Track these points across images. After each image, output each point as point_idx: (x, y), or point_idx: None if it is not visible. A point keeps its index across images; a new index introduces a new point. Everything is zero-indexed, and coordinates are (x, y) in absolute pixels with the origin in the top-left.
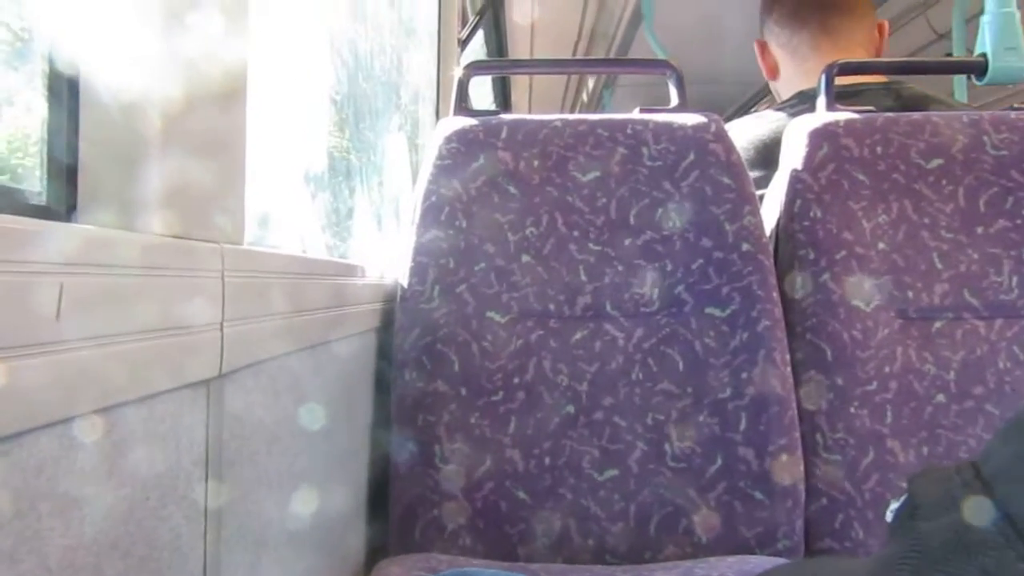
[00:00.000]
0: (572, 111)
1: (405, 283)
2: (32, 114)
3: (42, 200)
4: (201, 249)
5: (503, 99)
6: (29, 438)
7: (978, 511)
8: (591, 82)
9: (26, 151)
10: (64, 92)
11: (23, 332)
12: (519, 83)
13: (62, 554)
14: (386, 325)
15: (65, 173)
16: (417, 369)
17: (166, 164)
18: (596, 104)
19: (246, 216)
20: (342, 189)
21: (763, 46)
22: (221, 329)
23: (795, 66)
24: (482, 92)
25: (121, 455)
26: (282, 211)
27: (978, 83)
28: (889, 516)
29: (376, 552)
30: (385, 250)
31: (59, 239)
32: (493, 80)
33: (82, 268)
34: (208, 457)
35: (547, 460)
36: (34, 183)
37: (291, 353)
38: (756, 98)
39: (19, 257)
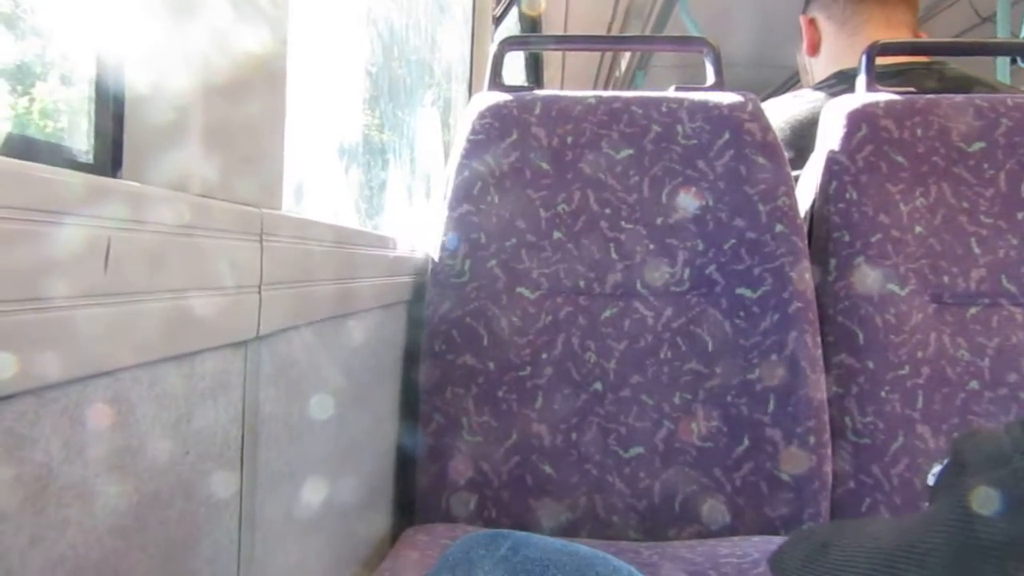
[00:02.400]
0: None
1: (436, 257)
2: (81, 75)
3: (89, 158)
4: (241, 212)
5: (535, 78)
6: (77, 387)
7: None
8: (623, 63)
9: (74, 111)
10: (112, 55)
11: (75, 283)
12: (551, 63)
13: (106, 500)
14: (416, 298)
15: (111, 133)
16: (446, 342)
17: (208, 129)
18: (629, 85)
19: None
20: (375, 163)
21: (810, 22)
22: (259, 292)
23: (841, 41)
24: (512, 73)
25: (163, 410)
26: (316, 183)
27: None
28: (931, 479)
29: (402, 521)
30: (416, 224)
31: (109, 194)
32: (526, 60)
33: (129, 224)
34: (245, 416)
35: (573, 436)
36: (81, 142)
37: (325, 320)
38: (791, 82)
39: (73, 209)
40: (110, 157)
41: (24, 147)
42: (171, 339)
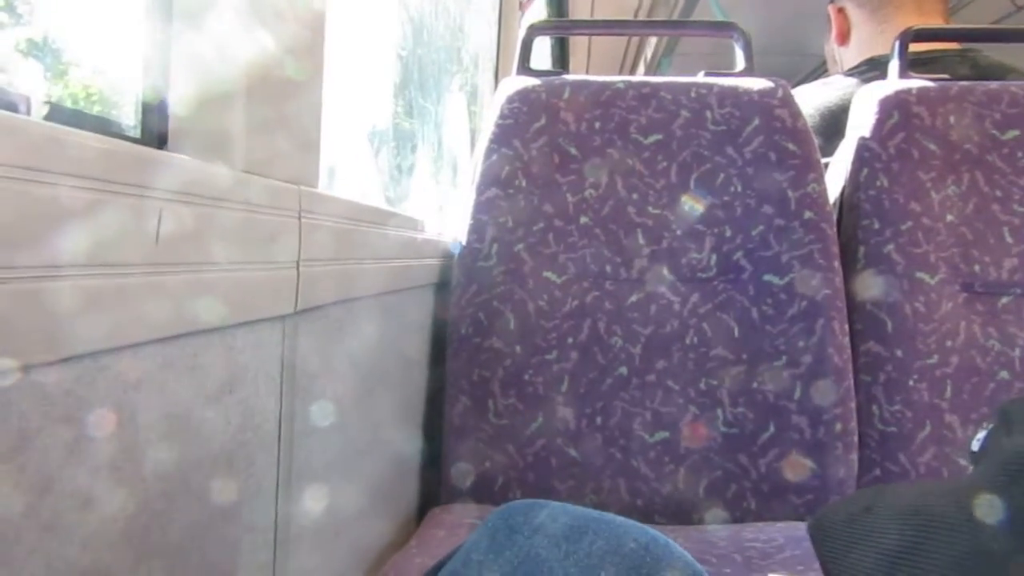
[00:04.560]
0: None
1: (464, 240)
2: (129, 53)
3: (136, 133)
4: (281, 189)
5: (561, 64)
6: (126, 355)
7: None
8: (649, 50)
9: (122, 88)
10: (158, 35)
11: (130, 252)
12: (577, 51)
13: (155, 466)
14: (444, 281)
15: (157, 109)
16: (473, 325)
17: (249, 107)
18: (654, 72)
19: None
20: (404, 147)
21: (839, 11)
22: (297, 268)
23: (872, 28)
24: (538, 59)
25: (207, 379)
26: (346, 165)
27: None
28: (975, 445)
29: (429, 500)
30: (443, 207)
31: (162, 167)
32: (552, 45)
33: (179, 196)
34: (283, 389)
35: (598, 420)
36: (130, 117)
37: (359, 299)
38: (818, 71)
39: (130, 180)
40: (156, 132)
41: (72, 120)
42: (214, 311)
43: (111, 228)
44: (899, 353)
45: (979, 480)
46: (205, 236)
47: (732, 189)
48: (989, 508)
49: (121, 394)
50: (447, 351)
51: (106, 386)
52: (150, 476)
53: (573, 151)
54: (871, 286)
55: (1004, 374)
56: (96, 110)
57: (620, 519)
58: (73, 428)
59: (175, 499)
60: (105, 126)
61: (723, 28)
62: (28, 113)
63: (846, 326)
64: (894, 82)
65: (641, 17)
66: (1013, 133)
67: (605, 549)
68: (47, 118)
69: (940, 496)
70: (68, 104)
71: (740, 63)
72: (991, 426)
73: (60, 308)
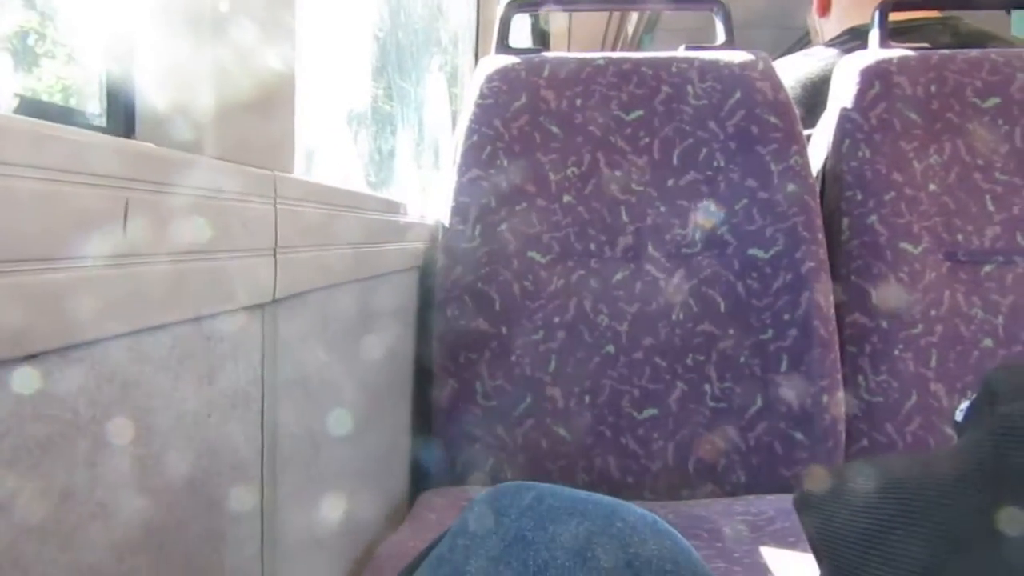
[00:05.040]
0: None
1: (447, 222)
2: (93, 40)
3: (102, 122)
4: (255, 175)
5: (541, 42)
6: (101, 347)
7: None
8: (630, 27)
9: (87, 76)
10: (123, 19)
11: (95, 243)
12: (557, 29)
13: (133, 460)
14: (428, 264)
15: (123, 97)
16: (459, 307)
17: (219, 92)
18: (635, 49)
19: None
20: (383, 129)
21: None
22: (274, 255)
23: None
24: (517, 38)
25: (185, 371)
26: (324, 149)
27: None
28: (959, 415)
29: (419, 484)
30: (425, 190)
31: (128, 156)
32: (531, 24)
33: (146, 185)
34: (264, 378)
35: (587, 398)
36: (95, 106)
37: (339, 285)
38: (800, 44)
39: (90, 169)
40: (123, 121)
41: (36, 110)
42: (190, 301)
43: (76, 218)
44: (884, 324)
45: (959, 454)
46: (176, 225)
47: (715, 164)
48: (975, 476)
49: (95, 387)
50: (433, 334)
51: (80, 379)
52: (130, 467)
53: (555, 129)
54: (855, 257)
55: (988, 342)
56: (59, 99)
57: (608, 499)
58: (45, 426)
59: (158, 488)
60: (68, 116)
61: (704, 1)
62: None
63: (831, 298)
64: (875, 52)
65: None
66: (994, 101)
67: (592, 530)
68: (16, 110)
69: (926, 467)
70: (29, 94)
71: (721, 36)
72: (974, 396)
73: (30, 301)
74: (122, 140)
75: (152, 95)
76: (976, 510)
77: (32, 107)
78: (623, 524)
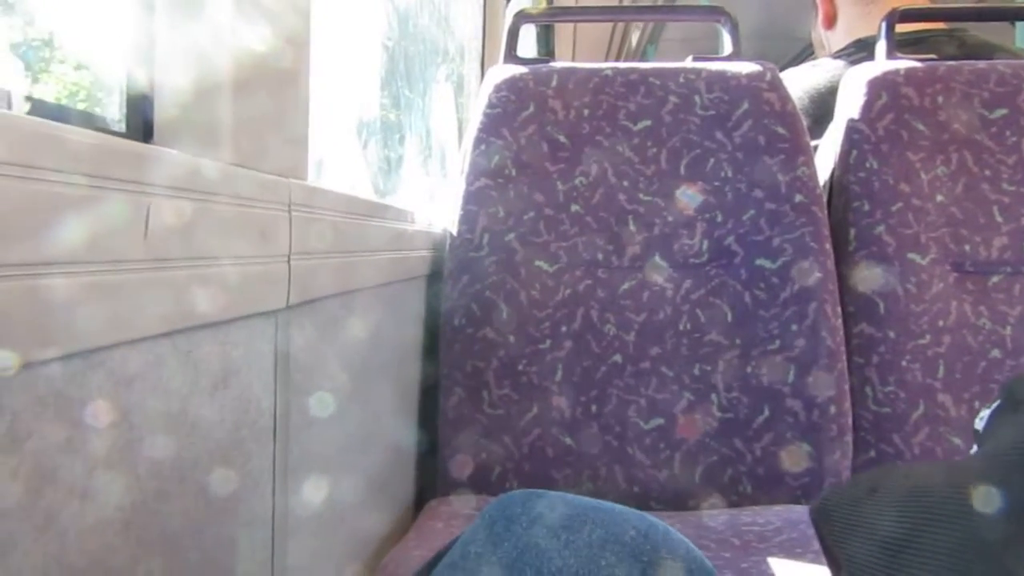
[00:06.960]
0: None
1: (455, 231)
2: (113, 46)
3: (121, 127)
4: (271, 182)
5: (547, 52)
6: (121, 351)
7: None
8: (635, 37)
9: (106, 82)
10: (142, 27)
11: (119, 247)
12: (562, 39)
13: (150, 465)
14: (435, 272)
15: (142, 103)
16: (466, 316)
17: (236, 100)
18: (640, 59)
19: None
20: (391, 138)
21: None
22: (288, 262)
23: (858, 10)
24: (522, 47)
25: (200, 376)
26: (334, 158)
27: None
28: (979, 423)
29: (425, 492)
30: (433, 198)
31: (150, 161)
32: (537, 33)
33: (168, 191)
34: (277, 385)
35: (593, 408)
36: (114, 111)
37: (350, 292)
38: (804, 54)
39: (118, 175)
40: (142, 126)
41: (56, 115)
42: (206, 307)
43: (100, 223)
44: (891, 334)
45: (985, 461)
46: (195, 231)
47: (722, 174)
48: (994, 492)
49: (114, 390)
50: (440, 342)
51: (99, 382)
52: (146, 472)
53: (562, 139)
54: (862, 268)
55: (996, 352)
56: (80, 105)
57: (618, 507)
58: (68, 425)
59: (172, 494)
60: (88, 120)
61: (711, 13)
62: (9, 108)
63: (838, 308)
64: (882, 63)
65: (628, 3)
66: (1001, 112)
67: (604, 538)
68: (29, 113)
69: (943, 478)
70: (50, 99)
71: (727, 47)
72: (996, 404)
73: (53, 304)
74: (145, 145)
75: (170, 102)
76: (1003, 518)
77: (52, 111)
78: (635, 532)
